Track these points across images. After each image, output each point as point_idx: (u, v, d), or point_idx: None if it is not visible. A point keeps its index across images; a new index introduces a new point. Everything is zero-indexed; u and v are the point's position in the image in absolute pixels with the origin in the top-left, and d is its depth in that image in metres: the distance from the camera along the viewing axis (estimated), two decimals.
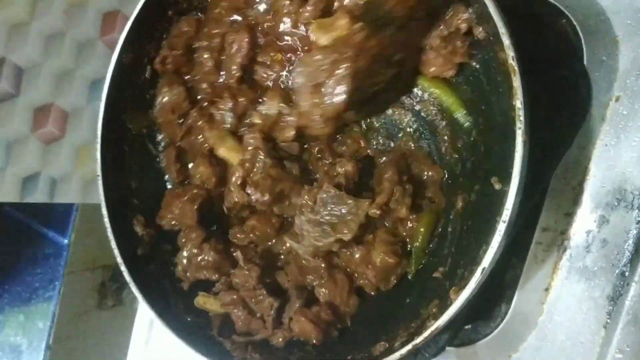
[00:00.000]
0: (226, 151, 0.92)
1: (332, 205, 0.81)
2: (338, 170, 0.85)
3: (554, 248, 0.86)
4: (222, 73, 0.94)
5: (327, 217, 0.81)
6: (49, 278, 1.32)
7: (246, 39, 0.91)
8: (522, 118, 0.68)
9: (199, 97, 0.97)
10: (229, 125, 0.93)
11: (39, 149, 1.15)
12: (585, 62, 0.84)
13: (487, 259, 0.69)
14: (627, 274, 0.80)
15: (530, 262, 0.87)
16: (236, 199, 0.88)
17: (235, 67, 0.92)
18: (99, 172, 0.90)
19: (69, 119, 1.19)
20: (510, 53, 0.69)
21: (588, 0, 0.85)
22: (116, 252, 0.87)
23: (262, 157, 0.87)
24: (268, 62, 0.91)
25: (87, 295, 1.38)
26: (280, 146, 0.90)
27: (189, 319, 0.89)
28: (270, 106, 0.90)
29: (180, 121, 0.96)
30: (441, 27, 0.79)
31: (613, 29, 0.83)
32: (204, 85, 0.96)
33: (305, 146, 0.92)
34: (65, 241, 1.30)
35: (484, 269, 0.69)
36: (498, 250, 0.69)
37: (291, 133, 0.89)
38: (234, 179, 0.88)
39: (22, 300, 1.35)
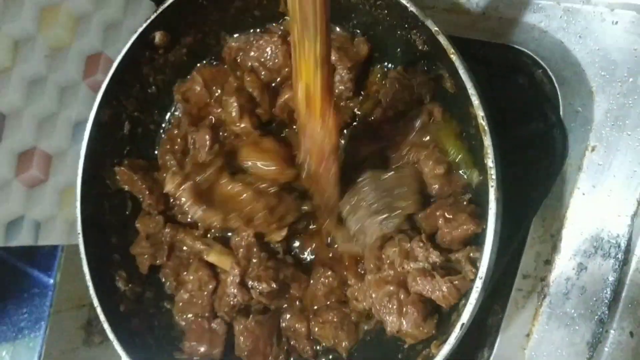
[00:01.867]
0: (216, 255, 0.91)
1: (379, 189, 0.79)
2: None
3: (534, 295, 0.87)
4: None
5: (378, 203, 0.78)
6: (35, 317, 1.31)
7: (207, 136, 0.91)
8: (494, 176, 0.69)
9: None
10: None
11: (22, 193, 1.13)
12: (561, 113, 0.86)
13: (466, 315, 0.70)
14: (605, 320, 0.82)
15: (512, 308, 0.88)
16: (237, 299, 0.87)
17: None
18: (79, 230, 0.90)
19: (53, 162, 1.17)
20: (480, 113, 0.70)
21: (563, 52, 0.86)
22: (99, 310, 0.87)
23: (256, 251, 0.87)
24: None
25: (74, 333, 1.36)
26: (269, 246, 0.90)
27: None
28: None
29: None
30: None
31: (588, 80, 0.85)
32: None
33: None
34: (51, 281, 1.29)
35: (463, 324, 0.71)
36: (476, 305, 0.70)
37: (283, 234, 0.88)
38: (230, 279, 0.87)
39: (8, 339, 1.33)
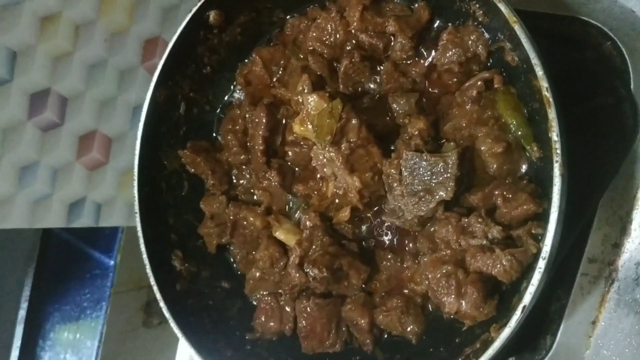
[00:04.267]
0: (283, 233, 0.91)
1: (419, 170, 0.76)
2: (411, 132, 0.80)
3: (601, 280, 0.83)
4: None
5: (419, 186, 0.76)
6: (97, 298, 1.35)
7: (262, 113, 0.91)
8: (559, 151, 0.66)
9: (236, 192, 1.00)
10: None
11: (84, 175, 1.17)
12: (632, 86, 0.81)
13: (528, 297, 0.67)
14: None
15: (576, 293, 0.84)
16: (296, 281, 0.85)
17: (260, 141, 0.92)
18: (137, 210, 0.91)
19: (113, 145, 1.21)
20: (544, 84, 0.66)
21: (635, 21, 0.81)
22: (155, 289, 0.88)
23: (320, 235, 0.86)
24: (293, 139, 0.91)
25: (134, 314, 1.40)
26: (336, 229, 0.89)
27: (228, 354, 0.89)
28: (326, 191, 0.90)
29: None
30: None
31: None
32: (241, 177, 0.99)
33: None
34: (112, 262, 1.33)
35: (524, 307, 0.67)
36: (538, 287, 0.67)
37: (346, 212, 0.87)
38: (291, 259, 0.86)
39: (72, 319, 1.38)
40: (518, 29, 0.67)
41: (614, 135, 0.81)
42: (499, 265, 0.72)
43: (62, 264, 1.40)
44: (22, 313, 1.37)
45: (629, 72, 0.81)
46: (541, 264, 0.66)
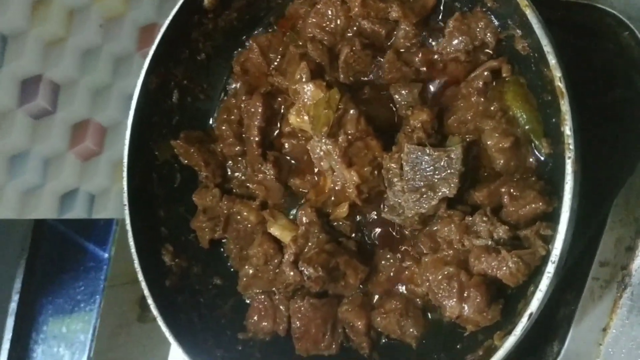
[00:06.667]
0: (279, 229, 0.87)
1: (422, 165, 0.72)
2: (413, 124, 0.75)
3: (613, 284, 0.79)
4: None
5: (420, 181, 0.72)
6: (90, 291, 1.32)
7: (258, 103, 0.87)
8: (572, 147, 0.61)
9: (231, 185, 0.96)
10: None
11: (76, 165, 1.13)
12: None
13: (535, 304, 0.63)
14: None
15: (587, 298, 0.80)
16: (290, 279, 0.81)
17: (255, 132, 0.88)
18: (126, 202, 0.88)
19: (107, 134, 1.17)
20: (557, 73, 0.62)
21: None
22: (143, 284, 0.85)
23: (316, 232, 0.82)
24: (290, 131, 0.87)
25: (128, 308, 1.37)
26: (334, 226, 0.85)
27: (218, 354, 0.86)
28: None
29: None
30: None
31: None
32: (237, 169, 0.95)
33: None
34: (106, 255, 1.30)
35: (531, 314, 0.64)
36: (547, 293, 0.63)
37: (344, 209, 0.83)
38: (286, 257, 0.82)
39: (65, 312, 1.35)
40: (530, 13, 0.63)
41: (630, 131, 0.76)
42: (504, 268, 0.67)
43: (55, 255, 1.37)
44: (13, 305, 1.34)
45: None
46: (550, 268, 0.62)
